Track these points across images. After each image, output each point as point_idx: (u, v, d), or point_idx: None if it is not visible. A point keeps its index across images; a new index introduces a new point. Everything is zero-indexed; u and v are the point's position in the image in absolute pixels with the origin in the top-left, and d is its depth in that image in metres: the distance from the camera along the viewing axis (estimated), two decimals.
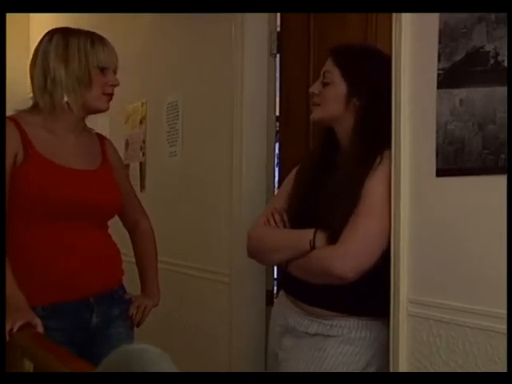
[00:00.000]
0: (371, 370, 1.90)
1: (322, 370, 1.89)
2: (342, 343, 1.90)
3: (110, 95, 2.03)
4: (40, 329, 1.76)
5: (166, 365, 0.94)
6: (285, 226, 2.00)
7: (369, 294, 1.88)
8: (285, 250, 1.95)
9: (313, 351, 1.92)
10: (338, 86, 1.94)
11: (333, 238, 1.85)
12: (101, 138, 2.19)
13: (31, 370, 1.55)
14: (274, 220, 2.01)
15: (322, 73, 1.99)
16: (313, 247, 1.86)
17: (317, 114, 2.00)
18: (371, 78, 1.93)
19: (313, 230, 1.87)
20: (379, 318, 1.90)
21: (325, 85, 1.97)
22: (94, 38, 1.99)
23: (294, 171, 2.12)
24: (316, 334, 1.93)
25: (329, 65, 1.97)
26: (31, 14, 4.96)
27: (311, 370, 1.91)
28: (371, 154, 1.88)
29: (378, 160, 1.87)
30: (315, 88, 1.99)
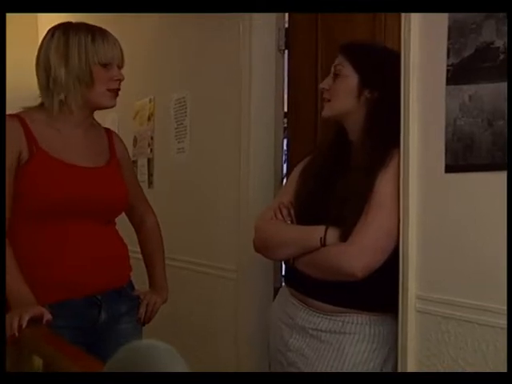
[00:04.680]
0: (389, 364, 1.90)
1: (343, 370, 1.88)
2: (359, 342, 1.89)
3: (116, 90, 2.01)
4: (46, 318, 1.76)
5: (174, 361, 0.94)
6: (292, 221, 2.00)
7: (380, 289, 1.87)
8: (294, 246, 1.94)
9: (330, 352, 1.91)
10: (349, 79, 1.93)
11: (344, 236, 1.84)
12: (109, 132, 2.18)
13: (40, 366, 1.55)
14: (282, 214, 2.00)
15: (332, 68, 1.98)
16: (323, 244, 1.86)
17: (328, 111, 1.99)
18: (382, 70, 1.92)
19: (324, 227, 1.86)
20: (391, 312, 1.89)
21: (335, 79, 1.96)
22: (94, 34, 1.95)
23: (299, 166, 2.10)
24: (328, 331, 1.92)
25: (339, 59, 1.97)
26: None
27: (333, 371, 1.89)
28: (382, 149, 1.87)
29: (390, 156, 1.86)
30: (325, 83, 1.99)
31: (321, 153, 2.09)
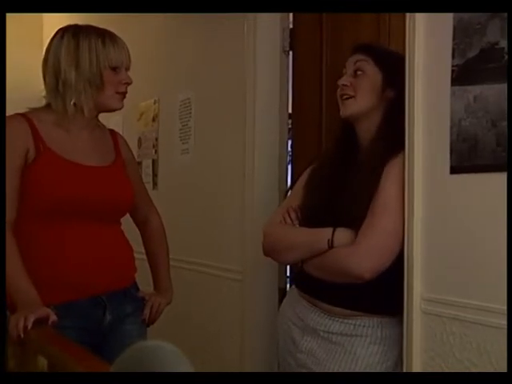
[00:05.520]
0: (400, 367, 1.89)
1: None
2: (371, 344, 1.88)
3: (124, 93, 2.03)
4: (52, 319, 1.76)
5: (180, 362, 0.94)
6: (300, 224, 1.99)
7: (390, 292, 1.87)
8: (302, 249, 1.93)
9: (342, 354, 1.90)
10: (374, 76, 1.93)
11: (352, 238, 1.83)
12: (114, 134, 2.19)
13: (45, 367, 1.56)
14: (290, 218, 2.00)
15: (352, 64, 1.96)
16: (331, 246, 1.85)
17: (350, 109, 1.95)
18: (399, 69, 1.90)
19: (331, 229, 1.86)
20: (402, 315, 1.87)
21: (357, 76, 1.94)
22: (104, 37, 1.97)
23: (307, 170, 2.10)
24: (339, 334, 1.91)
25: (357, 57, 1.96)
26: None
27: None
28: (392, 150, 1.87)
29: (396, 158, 1.85)
30: (345, 80, 1.95)
31: (328, 156, 2.07)
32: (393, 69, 1.93)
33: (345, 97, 1.96)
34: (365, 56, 1.95)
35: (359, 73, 1.94)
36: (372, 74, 1.93)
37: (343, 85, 1.96)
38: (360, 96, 1.93)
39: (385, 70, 1.93)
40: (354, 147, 1.99)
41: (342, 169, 1.96)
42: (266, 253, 2.07)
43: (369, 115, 1.94)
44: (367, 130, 1.95)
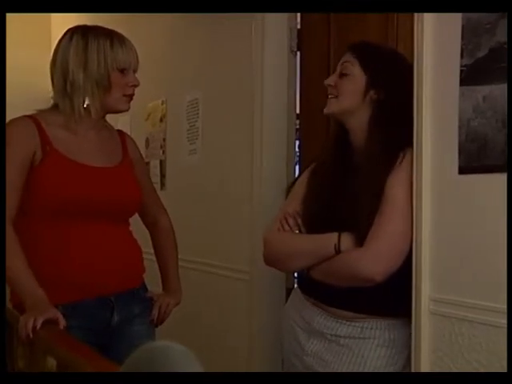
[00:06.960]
0: (409, 369, 1.87)
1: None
2: (379, 347, 1.87)
3: (131, 96, 2.03)
4: (62, 324, 1.77)
5: (191, 362, 0.94)
6: (299, 230, 1.97)
7: (398, 294, 1.86)
8: (307, 256, 1.91)
9: (350, 357, 1.89)
10: (357, 78, 1.92)
11: (358, 241, 1.82)
12: (121, 134, 2.19)
13: (54, 367, 1.56)
14: (289, 225, 1.97)
15: (339, 65, 1.97)
16: (338, 251, 1.84)
17: (332, 107, 1.96)
18: (389, 71, 1.91)
19: (336, 234, 1.84)
20: (409, 317, 1.87)
21: (342, 76, 1.94)
22: (113, 39, 1.97)
23: (304, 174, 2.08)
24: (347, 337, 1.90)
25: (347, 57, 1.95)
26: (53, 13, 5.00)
27: None
28: (391, 151, 1.86)
29: (401, 157, 1.85)
30: (331, 80, 1.97)
31: (325, 157, 2.04)
32: (381, 70, 1.92)
33: (330, 96, 1.97)
34: (352, 57, 1.94)
35: (344, 73, 1.94)
36: (356, 76, 1.92)
37: (328, 84, 1.97)
38: (342, 97, 1.94)
39: (370, 72, 1.92)
40: (348, 148, 1.98)
41: (340, 172, 1.95)
42: (268, 262, 2.04)
43: (354, 113, 1.93)
44: (357, 130, 1.93)
